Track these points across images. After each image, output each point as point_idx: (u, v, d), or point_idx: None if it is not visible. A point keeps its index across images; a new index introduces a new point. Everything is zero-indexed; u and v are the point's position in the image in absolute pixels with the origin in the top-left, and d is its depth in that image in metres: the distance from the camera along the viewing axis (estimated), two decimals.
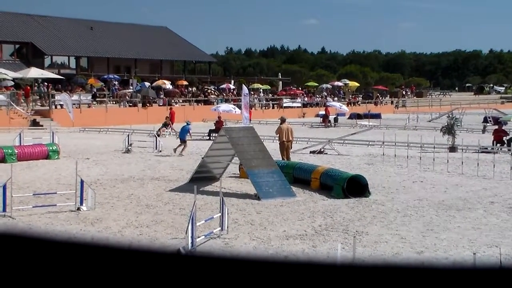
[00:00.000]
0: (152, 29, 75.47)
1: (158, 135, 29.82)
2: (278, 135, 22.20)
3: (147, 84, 55.45)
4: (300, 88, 71.89)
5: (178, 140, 26.46)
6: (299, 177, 17.44)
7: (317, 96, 67.38)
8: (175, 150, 25.48)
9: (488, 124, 43.40)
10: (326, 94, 68.96)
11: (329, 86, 75.27)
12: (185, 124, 26.81)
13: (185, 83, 61.82)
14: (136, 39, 68.60)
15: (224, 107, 41.60)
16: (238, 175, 18.67)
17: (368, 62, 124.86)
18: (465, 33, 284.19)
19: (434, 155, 21.98)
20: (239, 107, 39.12)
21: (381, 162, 22.48)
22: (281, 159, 20.79)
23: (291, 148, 22.50)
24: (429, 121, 49.35)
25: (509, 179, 18.32)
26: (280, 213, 13.65)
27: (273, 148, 22.01)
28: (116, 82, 55.23)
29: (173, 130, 34.37)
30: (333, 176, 16.14)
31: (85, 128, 38.71)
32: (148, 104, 48.98)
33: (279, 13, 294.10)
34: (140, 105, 48.04)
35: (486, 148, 26.55)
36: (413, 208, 14.17)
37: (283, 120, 22.39)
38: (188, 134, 26.55)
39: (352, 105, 64.38)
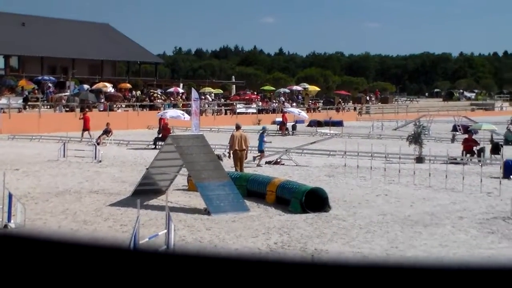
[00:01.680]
0: (92, 26, 74.83)
1: (98, 144, 29.52)
2: (230, 143, 22.31)
3: (86, 87, 54.91)
4: (255, 93, 72.13)
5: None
6: (253, 190, 17.47)
7: (274, 101, 67.68)
8: (254, 159, 25.77)
9: (457, 132, 44.27)
10: (283, 99, 69.35)
11: (287, 90, 75.74)
12: (261, 131, 27.41)
13: (128, 86, 61.42)
14: (74, 37, 67.89)
15: (171, 113, 41.39)
16: (187, 188, 18.61)
17: (329, 65, 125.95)
18: (434, 34, 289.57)
19: (399, 166, 22.31)
20: (188, 113, 39.04)
21: (343, 174, 22.70)
22: (234, 169, 20.86)
23: (246, 158, 22.55)
24: (395, 130, 50.05)
25: (479, 192, 18.71)
26: (232, 230, 13.65)
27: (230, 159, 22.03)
28: (51, 85, 54.52)
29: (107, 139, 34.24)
30: (290, 189, 16.22)
31: (15, 136, 38.04)
32: (87, 109, 48.45)
33: (233, 10, 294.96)
34: (78, 110, 47.50)
35: (455, 159, 27.06)
36: (377, 224, 14.34)
37: (237, 127, 22.46)
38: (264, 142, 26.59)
39: (312, 111, 64.87)
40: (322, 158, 28.52)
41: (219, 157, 25.92)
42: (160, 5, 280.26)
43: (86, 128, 36.77)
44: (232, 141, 22.16)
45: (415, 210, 16.11)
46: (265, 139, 26.55)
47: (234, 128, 22.89)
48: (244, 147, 21.75)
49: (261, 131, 26.93)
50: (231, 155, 22.41)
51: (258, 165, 24.89)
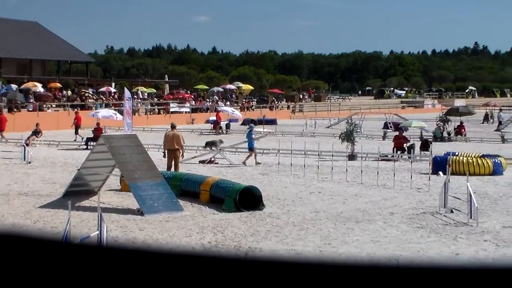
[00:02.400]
0: (19, 24, 73.09)
1: (27, 145, 28.90)
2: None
3: (14, 86, 53.61)
4: (188, 92, 71.88)
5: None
6: (187, 189, 17.44)
7: (208, 100, 67.61)
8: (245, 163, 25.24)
9: (388, 130, 45.12)
10: (217, 98, 69.33)
11: (220, 89, 75.78)
12: (249, 129, 27.04)
13: (58, 85, 60.27)
14: (1, 35, 66.21)
15: (103, 112, 40.95)
16: (119, 188, 18.43)
17: (262, 64, 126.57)
18: (365, 33, 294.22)
19: (332, 164, 22.62)
20: (121, 112, 38.63)
21: (277, 172, 22.87)
22: (169, 169, 20.78)
23: (182, 157, 22.40)
24: (328, 127, 50.68)
25: (409, 188, 19.13)
26: (166, 230, 13.60)
27: (158, 158, 21.89)
28: None
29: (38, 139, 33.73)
30: (224, 188, 16.26)
31: None
32: (15, 110, 47.36)
33: (165, 8, 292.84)
34: (5, 110, 46.35)
35: (386, 156, 27.59)
36: (310, 221, 14.51)
37: (172, 127, 22.37)
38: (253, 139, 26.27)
39: (246, 110, 65.09)
40: (256, 156, 28.61)
41: (214, 143, 26.48)
42: (91, 3, 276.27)
43: (1, 129, 36.62)
44: (165, 141, 22.09)
45: (348, 206, 16.37)
46: (253, 136, 26.39)
47: (169, 127, 22.79)
48: (176, 147, 21.57)
49: (248, 129, 26.89)
50: (166, 154, 22.25)
51: (257, 163, 24.96)
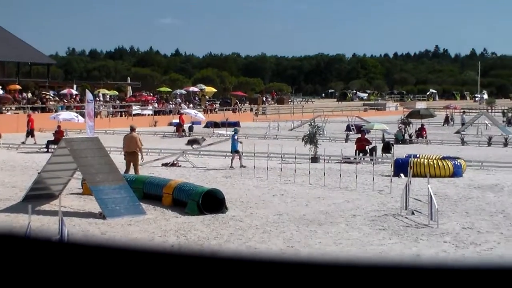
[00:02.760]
0: None
1: None
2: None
3: None
4: (151, 94, 71.54)
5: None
6: (149, 192, 17.35)
7: (171, 102, 67.36)
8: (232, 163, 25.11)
9: (351, 132, 45.44)
10: (180, 100, 69.12)
11: (183, 91, 75.59)
12: (233, 132, 26.81)
13: (18, 87, 59.49)
14: None
15: (65, 115, 40.50)
16: (81, 192, 18.26)
17: (226, 66, 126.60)
18: (328, 36, 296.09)
19: (295, 166, 22.69)
20: (82, 115, 38.28)
21: (239, 175, 22.87)
22: (130, 172, 20.66)
23: (142, 160, 22.23)
24: (291, 130, 50.83)
25: (371, 190, 19.28)
26: (128, 233, 13.51)
27: (120, 161, 21.73)
28: None
29: None
30: (187, 191, 16.21)
31: None
32: None
33: (128, 10, 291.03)
34: None
35: (349, 158, 27.79)
36: (273, 223, 14.54)
37: (131, 129, 22.30)
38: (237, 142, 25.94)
39: (209, 112, 65.00)
40: (219, 159, 28.59)
41: (197, 141, 26.38)
42: (52, 4, 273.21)
43: None
44: (123, 143, 22.09)
45: (311, 209, 16.44)
46: (236, 137, 26.13)
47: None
48: (133, 149, 21.47)
49: (233, 132, 26.76)
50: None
51: (231, 167, 24.76)
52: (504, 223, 14.68)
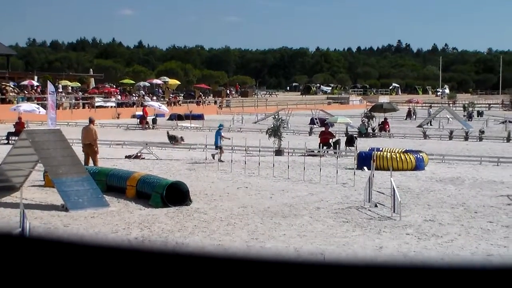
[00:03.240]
0: None
1: None
2: None
3: None
4: (114, 86, 70.98)
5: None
6: (113, 185, 17.24)
7: (134, 95, 66.90)
8: (213, 156, 24.57)
9: (314, 125, 45.65)
10: (143, 92, 68.70)
11: (147, 84, 75.15)
12: (218, 128, 25.99)
13: None
14: None
15: (25, 106, 40.00)
16: (43, 184, 18.06)
17: (190, 58, 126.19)
18: (292, 30, 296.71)
19: (259, 159, 22.73)
20: (44, 106, 37.81)
21: (204, 167, 22.85)
22: (90, 164, 20.57)
23: (97, 152, 21.97)
24: (255, 123, 50.87)
25: (335, 183, 19.41)
26: (91, 226, 13.41)
27: (83, 153, 21.55)
28: None
29: None
30: (151, 183, 16.14)
31: None
32: None
33: (89, 1, 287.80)
34: None
35: (313, 151, 27.92)
36: (237, 216, 14.56)
37: (90, 121, 22.29)
38: (220, 138, 25.26)
39: (173, 105, 64.71)
40: (183, 151, 28.53)
41: (175, 138, 26.02)
42: None
43: None
44: (81, 135, 22.07)
45: (275, 201, 16.49)
46: (222, 134, 25.56)
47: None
48: (89, 141, 21.44)
49: (218, 128, 26.20)
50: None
51: (220, 160, 24.12)
52: (465, 215, 14.91)
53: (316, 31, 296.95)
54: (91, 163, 21.00)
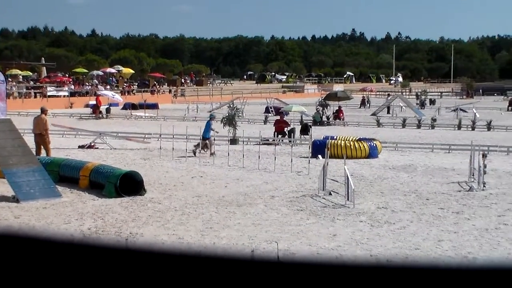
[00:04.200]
0: None
1: None
2: None
3: None
4: (67, 75, 70.02)
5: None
6: (65, 175, 17.04)
7: (87, 84, 66.13)
8: (195, 152, 23.07)
9: (269, 114, 45.78)
10: (97, 82, 67.95)
11: (100, 73, 74.33)
12: (208, 119, 24.75)
13: None
14: None
15: None
16: None
17: (144, 47, 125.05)
18: (247, 18, 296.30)
19: (214, 148, 22.70)
20: None
21: (158, 157, 22.73)
22: (42, 154, 20.38)
23: (49, 142, 21.70)
24: (210, 112, 50.70)
25: (289, 172, 19.51)
26: (43, 217, 13.24)
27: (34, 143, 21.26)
28: None
29: None
30: (104, 173, 16.01)
31: None
32: None
33: None
34: None
35: (268, 140, 28.01)
36: (192, 205, 14.53)
37: (41, 111, 22.15)
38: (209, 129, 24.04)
39: (127, 94, 64.19)
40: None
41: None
42: None
43: None
44: (33, 125, 21.90)
45: (230, 190, 16.51)
46: (212, 126, 24.30)
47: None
48: (40, 131, 21.27)
49: (208, 119, 25.18)
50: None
51: (212, 154, 22.83)
52: (417, 202, 15.14)
53: (271, 19, 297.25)
54: (43, 153, 20.78)
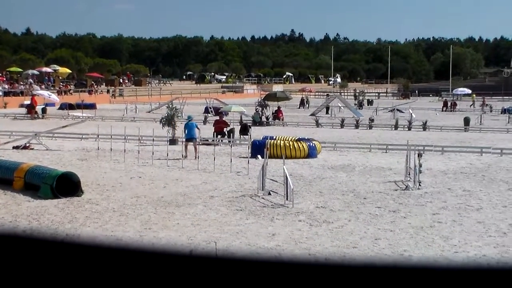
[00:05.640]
0: None
1: None
2: None
3: None
4: (1, 74, 68.47)
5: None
6: None
7: (22, 83, 64.79)
8: (185, 156, 22.20)
9: (209, 114, 45.69)
10: (32, 81, 66.66)
11: (36, 72, 72.94)
12: (188, 120, 23.84)
13: None
14: None
15: None
16: None
17: (81, 46, 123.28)
18: (186, 18, 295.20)
19: (153, 148, 22.56)
20: None
21: (96, 157, 22.46)
22: None
23: None
24: (149, 112, 50.43)
25: (229, 172, 19.52)
26: None
27: None
28: None
29: None
30: (40, 174, 15.72)
31: None
32: None
33: None
34: None
35: (207, 140, 27.96)
36: (130, 206, 14.41)
37: None
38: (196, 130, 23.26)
39: (63, 94, 63.18)
40: (75, 142, 27.93)
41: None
42: None
43: None
44: None
45: (169, 191, 16.43)
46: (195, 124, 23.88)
47: None
48: None
49: (189, 119, 24.26)
50: None
51: (197, 157, 21.57)
52: (355, 201, 15.35)
53: (210, 19, 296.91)
54: None
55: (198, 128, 23.89)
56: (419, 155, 17.35)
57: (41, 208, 13.97)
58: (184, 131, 23.48)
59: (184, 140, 23.49)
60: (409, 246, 11.22)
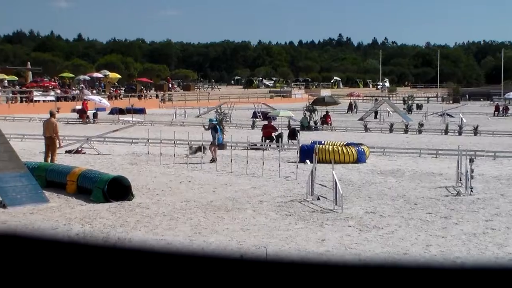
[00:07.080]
0: None
1: None
2: None
3: None
4: (53, 80, 69.77)
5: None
6: (53, 180, 16.95)
7: (74, 88, 65.91)
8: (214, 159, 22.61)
9: (257, 119, 45.77)
10: (83, 86, 67.74)
11: (87, 77, 74.15)
12: (212, 121, 24.49)
13: None
14: None
15: None
16: None
17: (130, 52, 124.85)
18: (234, 23, 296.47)
19: (202, 153, 22.67)
20: None
21: (146, 162, 22.67)
22: (46, 157, 21.16)
23: (59, 145, 22.53)
24: (197, 117, 50.70)
25: (277, 177, 19.50)
26: (31, 222, 13.16)
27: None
28: None
29: None
30: (92, 178, 15.94)
31: None
32: None
33: None
34: None
35: (256, 145, 28.00)
36: (180, 210, 14.49)
37: (50, 114, 22.58)
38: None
39: (114, 99, 64.02)
40: (125, 146, 28.27)
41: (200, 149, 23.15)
42: None
43: None
44: (42, 128, 22.33)
45: (218, 195, 16.48)
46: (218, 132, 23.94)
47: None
48: (50, 134, 21.63)
49: (214, 123, 24.60)
50: None
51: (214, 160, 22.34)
52: (405, 207, 15.17)
53: (258, 24, 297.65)
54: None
55: (219, 131, 24.12)
56: (471, 160, 17.05)
57: (94, 212, 14.16)
58: (213, 134, 23.68)
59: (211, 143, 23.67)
60: (461, 253, 11.04)
